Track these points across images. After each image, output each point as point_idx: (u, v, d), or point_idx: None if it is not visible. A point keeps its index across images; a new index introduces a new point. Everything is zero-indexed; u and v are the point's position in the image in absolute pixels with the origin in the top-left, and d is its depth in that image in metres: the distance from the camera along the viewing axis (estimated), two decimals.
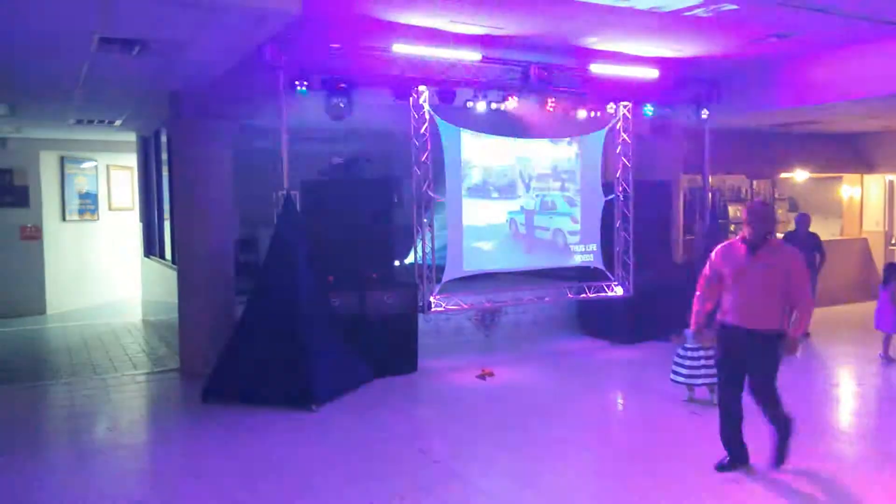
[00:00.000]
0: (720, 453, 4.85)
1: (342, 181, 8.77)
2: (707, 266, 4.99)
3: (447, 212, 8.06)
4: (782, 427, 4.73)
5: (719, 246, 5.03)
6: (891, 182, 12.30)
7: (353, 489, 4.60)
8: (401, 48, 6.75)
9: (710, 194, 9.92)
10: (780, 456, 4.76)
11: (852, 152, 12.49)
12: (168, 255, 9.35)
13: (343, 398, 6.59)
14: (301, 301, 6.56)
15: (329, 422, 6.03)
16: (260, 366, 6.45)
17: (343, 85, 7.00)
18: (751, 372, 4.74)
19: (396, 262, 8.64)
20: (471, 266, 8.26)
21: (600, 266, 9.06)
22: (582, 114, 8.71)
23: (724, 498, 4.44)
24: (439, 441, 5.72)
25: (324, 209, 7.43)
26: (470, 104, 8.00)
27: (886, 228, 12.27)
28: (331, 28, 6.57)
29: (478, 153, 8.29)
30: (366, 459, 5.14)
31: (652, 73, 8.15)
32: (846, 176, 12.63)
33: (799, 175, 12.16)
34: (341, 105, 7.03)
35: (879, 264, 11.01)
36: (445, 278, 8.02)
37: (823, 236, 9.75)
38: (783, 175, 12.11)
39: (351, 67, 7.01)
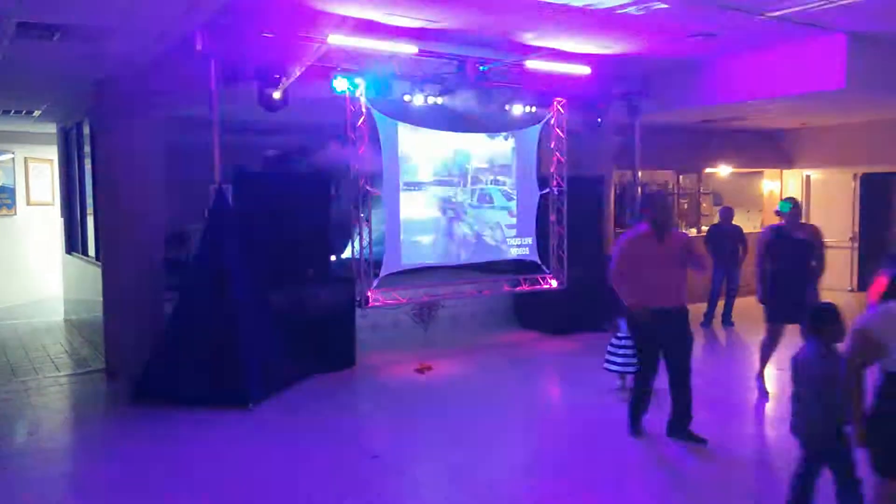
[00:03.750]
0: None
1: (277, 174, 8.60)
2: (618, 257, 5.22)
3: (384, 205, 8.02)
4: (687, 401, 5.14)
5: (624, 236, 5.34)
6: (807, 177, 12.92)
7: (292, 487, 4.53)
8: (336, 39, 6.66)
9: (639, 189, 10.21)
10: (675, 428, 5.19)
11: (773, 148, 13.05)
12: (92, 251, 8.97)
13: (280, 396, 6.48)
14: (233, 297, 6.40)
15: (266, 420, 5.92)
16: (192, 364, 6.26)
17: (277, 76, 6.86)
18: (673, 350, 5.12)
19: (333, 257, 8.55)
20: (409, 260, 8.24)
21: (536, 259, 9.20)
22: (518, 109, 8.81)
23: (651, 474, 4.59)
24: (378, 435, 5.70)
25: (258, 203, 7.25)
26: (407, 97, 7.98)
27: (804, 221, 12.86)
28: (265, 17, 6.43)
29: (415, 147, 8.27)
30: (304, 457, 5.07)
31: (584, 70, 8.31)
32: (767, 171, 13.19)
33: (723, 170, 12.63)
34: (276, 96, 6.88)
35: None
36: (383, 273, 7.98)
37: (746, 229, 10.19)
38: (708, 170, 12.55)
39: (286, 58, 6.86)
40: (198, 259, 6.69)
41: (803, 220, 6.96)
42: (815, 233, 6.45)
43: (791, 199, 6.62)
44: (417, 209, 8.30)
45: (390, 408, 6.34)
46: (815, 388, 3.41)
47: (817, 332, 3.44)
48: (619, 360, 6.43)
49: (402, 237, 8.15)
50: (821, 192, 12.73)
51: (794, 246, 6.24)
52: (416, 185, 8.29)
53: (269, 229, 7.20)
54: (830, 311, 3.44)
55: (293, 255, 7.36)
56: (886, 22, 7.16)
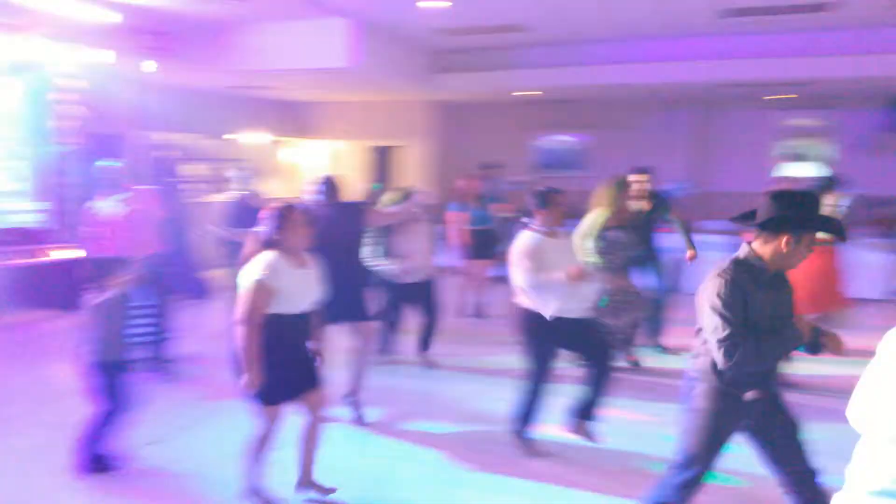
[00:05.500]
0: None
1: None
2: None
3: None
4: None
5: None
6: (332, 148, 14.08)
7: None
8: None
9: (161, 151, 9.75)
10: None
11: (297, 118, 13.85)
12: None
13: None
14: None
15: None
16: None
17: None
18: None
19: None
20: None
21: (47, 226, 8.06)
22: (24, 51, 7.48)
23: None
24: None
25: None
26: None
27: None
28: None
29: None
30: None
31: (115, 17, 7.46)
32: (291, 140, 13.94)
33: (252, 137, 12.90)
34: None
35: None
36: None
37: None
38: (236, 136, 12.68)
39: None
40: None
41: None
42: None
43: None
44: None
45: None
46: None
47: None
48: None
49: None
50: (342, 162, 14.01)
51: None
52: None
53: None
54: None
55: None
56: (388, 9, 8.14)
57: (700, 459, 2.95)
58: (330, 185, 4.91)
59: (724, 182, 10.94)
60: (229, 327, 3.71)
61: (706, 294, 2.82)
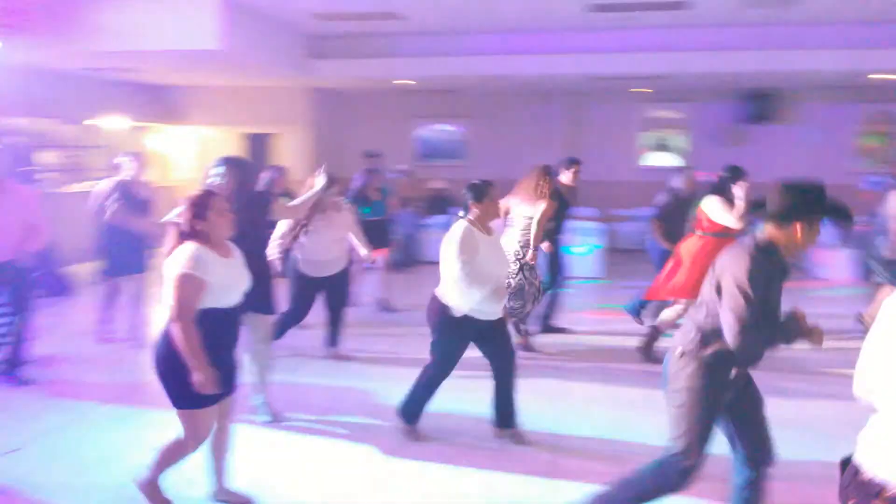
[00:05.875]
0: None
1: None
2: None
3: None
4: None
5: None
6: (202, 135, 13.48)
7: None
8: None
9: (13, 138, 8.99)
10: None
11: (164, 103, 13.15)
12: None
13: None
14: None
15: None
16: None
17: None
18: None
19: None
20: None
21: None
22: None
23: None
24: None
25: None
26: None
27: (198, 177, 13.40)
28: None
29: None
30: None
31: None
32: (157, 125, 13.22)
33: (115, 122, 12.13)
34: None
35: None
36: None
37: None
38: (97, 121, 11.87)
39: None
40: None
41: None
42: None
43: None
44: None
45: None
46: None
47: None
48: None
49: None
50: (211, 149, 13.42)
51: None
52: None
53: None
54: None
55: None
56: None
57: (700, 439, 2.96)
58: (235, 169, 4.51)
59: (596, 171, 11.43)
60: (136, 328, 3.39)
61: (730, 272, 2.83)
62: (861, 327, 6.47)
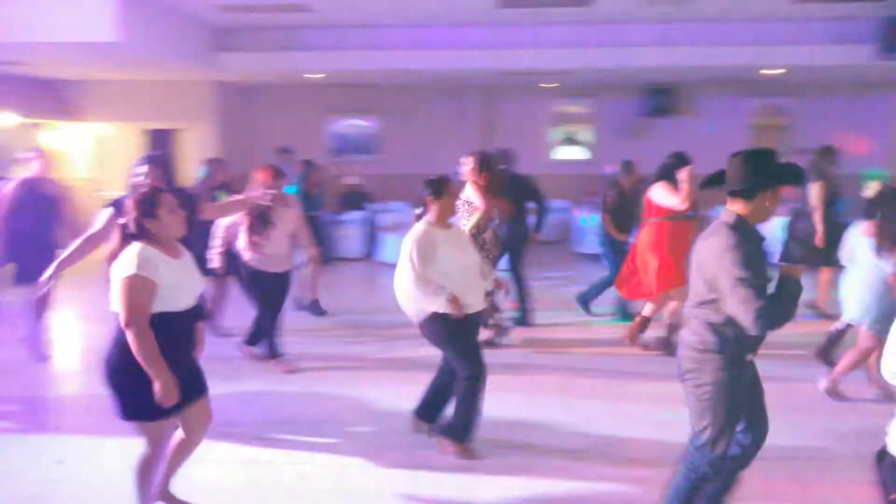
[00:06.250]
0: None
1: None
2: None
3: None
4: None
5: None
6: (99, 132, 12.81)
7: None
8: None
9: None
10: None
11: (57, 99, 12.42)
12: None
13: None
14: None
15: None
16: None
17: None
18: None
19: None
20: None
21: None
22: None
23: None
24: None
25: None
26: None
27: (96, 176, 12.73)
28: None
29: None
30: None
31: None
32: (50, 122, 12.47)
33: (5, 119, 11.36)
34: None
35: (86, 210, 11.36)
36: None
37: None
38: None
39: None
40: None
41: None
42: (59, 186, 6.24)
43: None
44: None
45: None
46: None
47: None
48: None
49: None
50: (109, 146, 12.79)
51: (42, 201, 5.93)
52: None
53: None
54: None
55: None
56: None
57: (728, 426, 2.95)
58: (159, 167, 4.25)
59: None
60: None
61: (719, 267, 2.78)
62: (813, 312, 6.81)
